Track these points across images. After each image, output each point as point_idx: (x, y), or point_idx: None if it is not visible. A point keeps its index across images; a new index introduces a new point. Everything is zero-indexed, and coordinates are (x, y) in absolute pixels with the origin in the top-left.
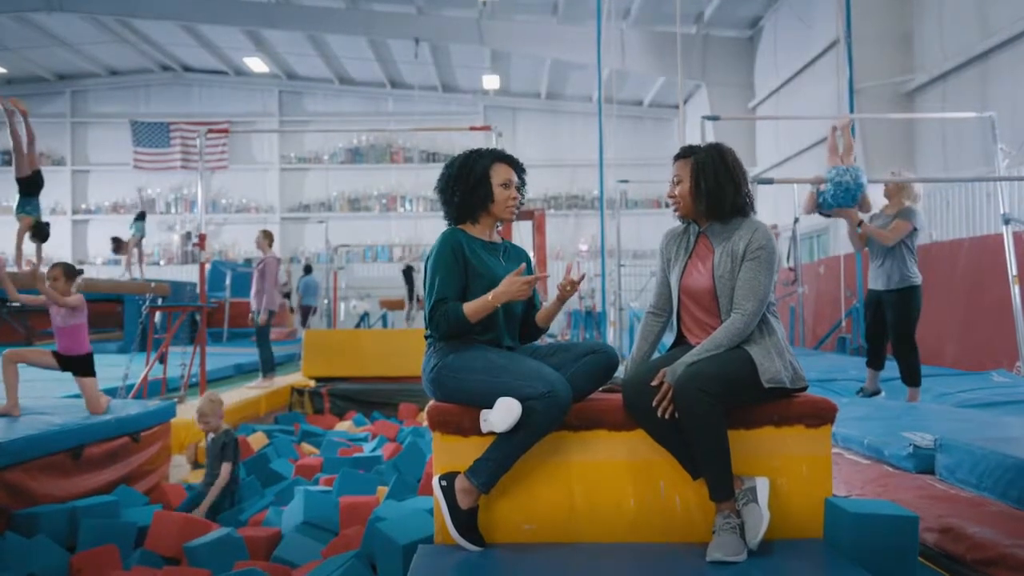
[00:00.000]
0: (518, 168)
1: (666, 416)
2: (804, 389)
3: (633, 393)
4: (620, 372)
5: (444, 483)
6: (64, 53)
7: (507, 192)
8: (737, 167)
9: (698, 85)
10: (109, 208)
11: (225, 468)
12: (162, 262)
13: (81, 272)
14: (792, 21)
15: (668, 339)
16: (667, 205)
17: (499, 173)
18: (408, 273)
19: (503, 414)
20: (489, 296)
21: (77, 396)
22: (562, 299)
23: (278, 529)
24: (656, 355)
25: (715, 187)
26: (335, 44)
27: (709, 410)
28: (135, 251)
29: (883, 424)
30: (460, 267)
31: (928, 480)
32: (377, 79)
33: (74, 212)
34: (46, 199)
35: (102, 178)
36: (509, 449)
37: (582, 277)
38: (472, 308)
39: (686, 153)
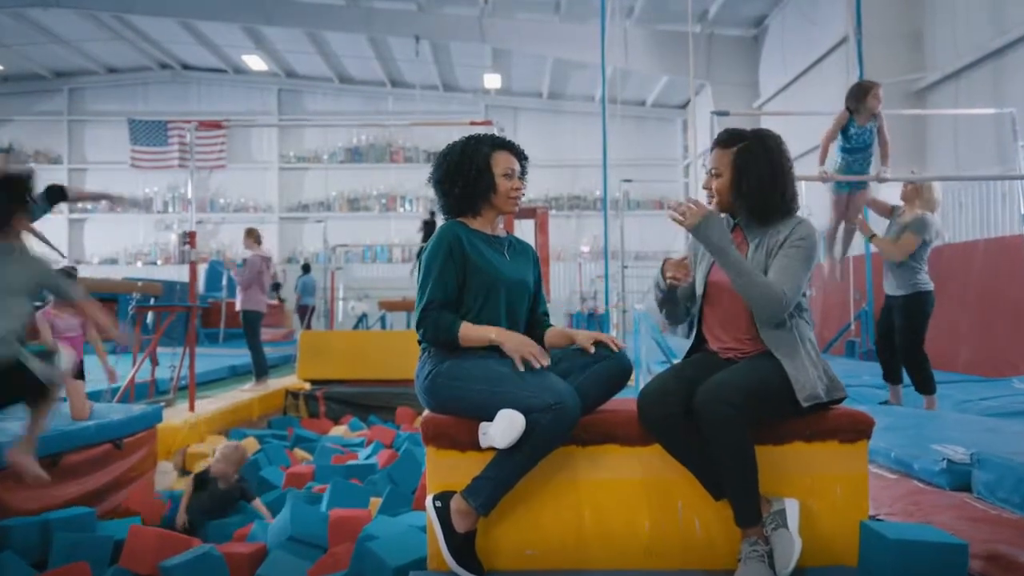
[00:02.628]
0: (520, 156)
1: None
2: (841, 400)
3: (649, 404)
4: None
5: (438, 504)
6: (61, 50)
7: (510, 182)
8: (784, 164)
9: (702, 84)
10: (106, 207)
11: (259, 504)
12: (159, 262)
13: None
14: (798, 20)
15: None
16: (670, 206)
17: (500, 161)
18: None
19: (504, 428)
20: (492, 334)
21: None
22: (573, 342)
23: (263, 545)
24: (671, 362)
25: (758, 190)
26: (335, 42)
27: (734, 424)
28: None
29: (908, 435)
30: (457, 265)
31: (965, 498)
32: (377, 78)
33: (70, 211)
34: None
35: (99, 177)
36: (511, 467)
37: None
38: (468, 334)
39: (728, 142)
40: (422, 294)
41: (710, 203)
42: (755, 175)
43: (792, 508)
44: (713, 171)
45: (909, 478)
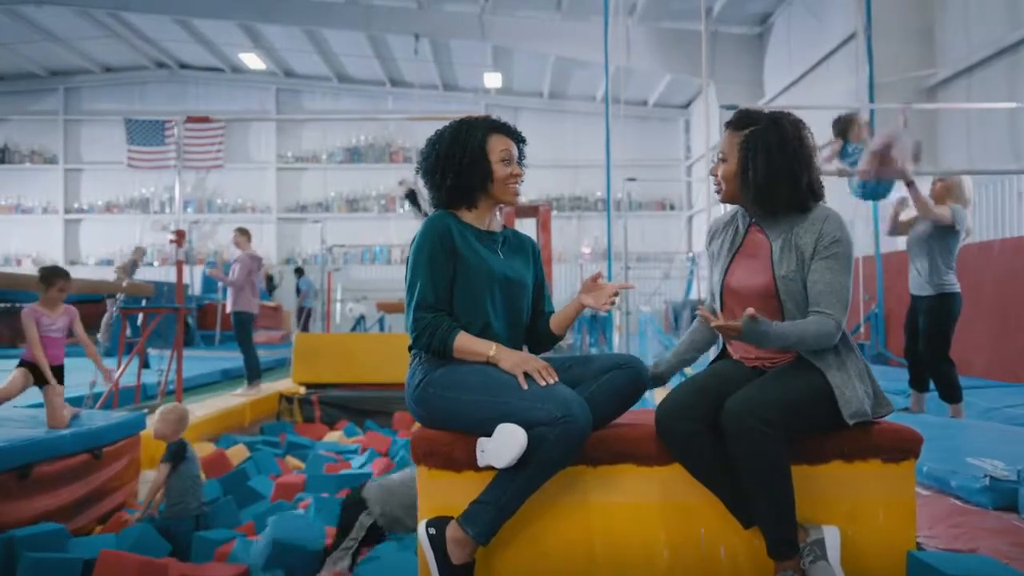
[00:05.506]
0: (517, 138)
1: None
2: (886, 415)
3: (669, 418)
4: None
5: (432, 531)
6: (57, 49)
7: (508, 168)
8: (798, 152)
9: (706, 83)
10: (102, 208)
11: (162, 468)
12: (156, 262)
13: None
14: (804, 17)
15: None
16: (672, 207)
17: (496, 145)
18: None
19: (504, 444)
20: (491, 350)
21: (37, 406)
22: (583, 307)
23: (245, 567)
24: (691, 372)
25: (765, 179)
26: (334, 41)
27: (768, 442)
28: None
29: (940, 447)
30: (448, 260)
31: (1013, 520)
32: (377, 77)
33: (66, 211)
34: (38, 198)
35: (95, 177)
36: (513, 489)
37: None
38: (464, 346)
39: (739, 123)
40: (411, 293)
41: (717, 191)
42: (763, 161)
43: (832, 537)
44: (720, 155)
45: (946, 495)
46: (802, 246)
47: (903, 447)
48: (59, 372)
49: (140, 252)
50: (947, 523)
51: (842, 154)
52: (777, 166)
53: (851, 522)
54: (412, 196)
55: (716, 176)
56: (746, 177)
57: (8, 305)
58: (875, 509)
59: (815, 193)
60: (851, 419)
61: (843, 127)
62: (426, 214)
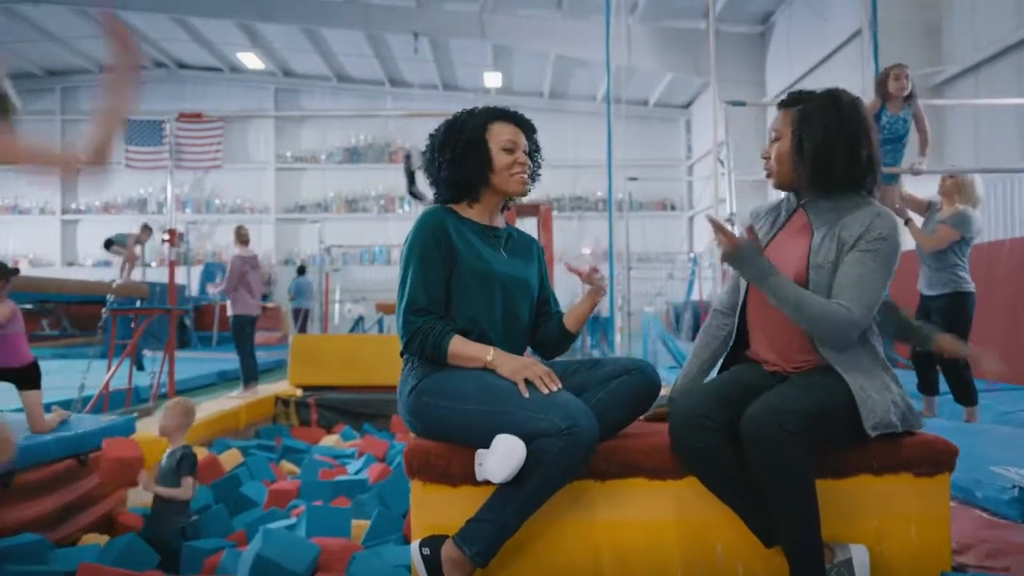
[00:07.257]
0: (525, 127)
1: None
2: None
3: (683, 428)
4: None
5: (426, 551)
6: (54, 48)
7: (511, 157)
8: (856, 123)
9: (707, 83)
10: (100, 208)
11: (187, 481)
12: (154, 263)
13: (15, 271)
14: (807, 15)
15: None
16: (673, 208)
17: (499, 133)
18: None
19: (501, 457)
20: (488, 355)
21: (19, 410)
22: (597, 294)
23: None
24: (680, 366)
25: (823, 148)
26: (333, 40)
27: (792, 454)
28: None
29: (962, 455)
30: (443, 258)
31: None
32: (376, 77)
33: (63, 212)
34: (35, 198)
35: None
36: (513, 506)
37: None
38: (459, 351)
39: (792, 102)
40: (402, 294)
41: (768, 175)
42: (819, 129)
43: (860, 557)
44: (773, 135)
45: (971, 507)
46: (845, 237)
47: (936, 459)
48: (28, 374)
49: (148, 232)
50: (976, 538)
51: (876, 120)
52: (834, 136)
53: (880, 540)
54: (409, 167)
55: (769, 158)
56: (801, 150)
57: None
58: (906, 526)
59: (873, 170)
60: (873, 430)
61: (881, 82)
62: (413, 193)
